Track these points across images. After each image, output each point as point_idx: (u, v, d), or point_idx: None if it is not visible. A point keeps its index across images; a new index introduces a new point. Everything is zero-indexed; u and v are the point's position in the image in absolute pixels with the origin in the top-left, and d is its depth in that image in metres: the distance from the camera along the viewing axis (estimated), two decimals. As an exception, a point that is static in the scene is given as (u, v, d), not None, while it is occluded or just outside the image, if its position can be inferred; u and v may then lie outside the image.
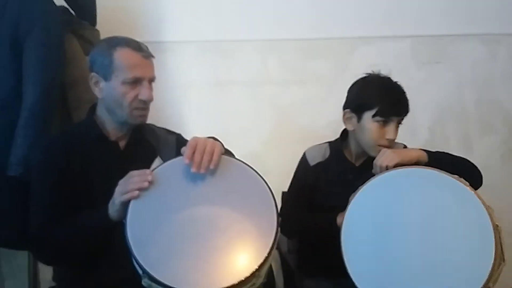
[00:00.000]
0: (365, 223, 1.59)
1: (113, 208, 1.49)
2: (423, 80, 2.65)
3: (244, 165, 1.55)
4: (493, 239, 1.48)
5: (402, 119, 1.82)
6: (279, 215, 1.48)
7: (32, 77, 1.88)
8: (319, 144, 1.94)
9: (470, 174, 1.70)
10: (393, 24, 2.65)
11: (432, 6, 2.66)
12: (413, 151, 1.76)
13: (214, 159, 1.49)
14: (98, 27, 2.23)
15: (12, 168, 1.84)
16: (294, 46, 2.62)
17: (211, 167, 1.49)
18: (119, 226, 1.45)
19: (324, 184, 1.89)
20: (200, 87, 2.57)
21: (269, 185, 1.52)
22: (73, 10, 2.14)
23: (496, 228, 1.50)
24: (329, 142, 1.94)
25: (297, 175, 1.96)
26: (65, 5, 2.12)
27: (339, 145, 1.91)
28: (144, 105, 1.67)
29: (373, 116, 1.78)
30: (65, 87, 2.03)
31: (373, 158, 1.75)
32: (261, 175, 1.53)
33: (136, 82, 1.65)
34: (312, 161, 1.91)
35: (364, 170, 1.78)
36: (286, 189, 2.07)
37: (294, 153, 2.09)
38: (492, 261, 1.45)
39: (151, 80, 1.69)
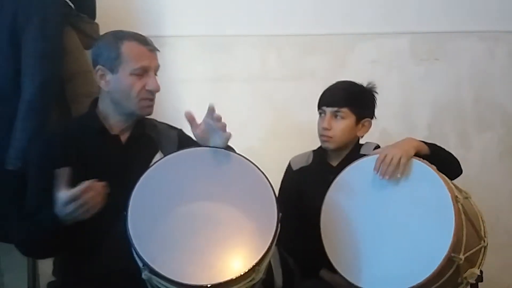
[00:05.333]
0: (340, 216, 1.72)
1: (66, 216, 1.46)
2: (421, 77, 2.65)
3: (246, 160, 1.55)
4: (453, 212, 1.56)
5: (338, 111, 1.90)
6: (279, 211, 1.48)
7: (30, 70, 1.87)
8: (303, 152, 2.03)
9: (456, 165, 1.85)
10: (392, 20, 2.65)
11: (431, 3, 2.65)
12: (413, 143, 1.76)
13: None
14: (97, 20, 2.21)
15: (10, 161, 1.83)
16: (293, 42, 2.61)
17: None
18: (118, 219, 1.44)
19: (308, 187, 1.93)
20: (199, 82, 2.56)
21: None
22: (72, 3, 2.12)
23: (455, 199, 1.59)
24: (313, 150, 2.02)
25: (282, 183, 2.01)
26: (65, -3, 2.11)
27: (322, 151, 1.99)
28: (151, 96, 1.70)
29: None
30: (63, 81, 2.01)
31: (349, 158, 1.86)
32: (263, 170, 1.53)
33: (143, 73, 1.67)
34: (295, 166, 2.00)
35: (342, 169, 1.80)
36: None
37: (292, 149, 2.09)
38: (452, 233, 1.54)
39: (157, 70, 1.72)
